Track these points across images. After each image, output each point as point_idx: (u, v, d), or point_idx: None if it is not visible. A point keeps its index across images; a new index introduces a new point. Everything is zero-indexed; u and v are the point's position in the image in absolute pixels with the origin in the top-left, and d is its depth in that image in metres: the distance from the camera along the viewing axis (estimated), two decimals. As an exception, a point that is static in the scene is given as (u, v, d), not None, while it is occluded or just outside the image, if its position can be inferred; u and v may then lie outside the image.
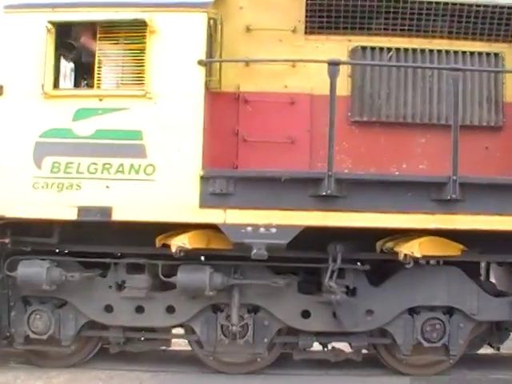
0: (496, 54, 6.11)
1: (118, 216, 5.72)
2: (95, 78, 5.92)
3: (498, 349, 6.66)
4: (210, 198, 5.70)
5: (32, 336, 6.20)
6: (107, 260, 6.18)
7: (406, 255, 5.61)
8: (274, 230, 5.66)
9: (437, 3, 6.07)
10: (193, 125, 5.74)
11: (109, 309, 6.21)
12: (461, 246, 5.86)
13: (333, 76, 5.58)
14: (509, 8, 6.03)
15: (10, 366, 6.62)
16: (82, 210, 5.73)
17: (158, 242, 6.07)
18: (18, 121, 5.84)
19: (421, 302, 6.08)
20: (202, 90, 5.77)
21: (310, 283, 6.30)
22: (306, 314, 6.14)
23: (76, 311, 6.22)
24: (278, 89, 6.13)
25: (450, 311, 6.10)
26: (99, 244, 6.19)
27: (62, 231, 6.06)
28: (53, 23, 5.75)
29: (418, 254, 5.62)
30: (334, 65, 5.62)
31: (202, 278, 5.85)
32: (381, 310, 6.06)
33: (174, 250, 5.67)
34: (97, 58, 5.87)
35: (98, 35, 5.85)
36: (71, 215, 5.75)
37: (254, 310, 6.19)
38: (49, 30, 5.74)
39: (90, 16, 5.82)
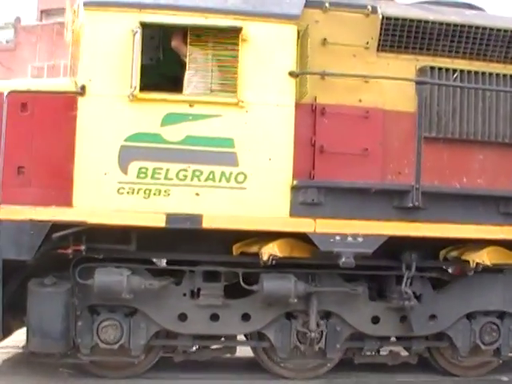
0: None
1: (208, 224, 5.74)
2: (185, 84, 5.91)
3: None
4: (300, 208, 5.88)
5: (102, 346, 6.04)
6: (185, 268, 6.15)
7: (477, 263, 6.14)
8: (360, 240, 5.95)
9: (492, 29, 6.63)
10: (284, 135, 5.90)
11: (182, 317, 6.19)
12: (483, 257, 6.42)
13: (420, 94, 5.97)
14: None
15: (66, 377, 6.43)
16: (170, 217, 5.69)
17: (236, 250, 6.17)
18: (102, 123, 5.70)
19: (478, 307, 6.62)
20: (292, 101, 5.94)
21: (372, 290, 6.65)
22: (375, 320, 6.48)
23: (148, 320, 6.13)
24: (353, 102, 6.40)
25: (501, 316, 6.70)
26: (175, 252, 6.18)
27: (139, 239, 5.98)
28: (142, 24, 5.67)
29: (487, 262, 6.15)
30: (421, 84, 6.04)
31: (287, 286, 6.02)
32: (443, 315, 6.54)
33: (265, 258, 5.79)
34: (188, 63, 5.86)
35: (189, 40, 5.84)
36: (159, 222, 5.70)
37: (326, 316, 6.43)
38: (137, 32, 5.65)
39: (182, 20, 5.79)
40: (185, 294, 6.21)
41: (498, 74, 6.61)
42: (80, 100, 5.67)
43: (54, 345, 5.86)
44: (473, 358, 6.77)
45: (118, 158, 5.68)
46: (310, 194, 5.86)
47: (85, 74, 5.72)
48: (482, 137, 6.57)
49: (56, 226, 5.60)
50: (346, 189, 5.97)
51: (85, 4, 5.80)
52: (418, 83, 6.11)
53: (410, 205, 5.90)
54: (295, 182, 5.84)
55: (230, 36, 5.84)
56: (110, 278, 5.80)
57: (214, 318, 6.23)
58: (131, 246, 5.95)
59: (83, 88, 5.67)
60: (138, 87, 5.65)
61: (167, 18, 5.78)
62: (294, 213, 5.87)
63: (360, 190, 5.98)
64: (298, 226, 5.88)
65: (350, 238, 5.92)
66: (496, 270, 6.48)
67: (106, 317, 6.07)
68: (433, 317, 6.51)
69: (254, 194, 5.81)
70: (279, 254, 5.81)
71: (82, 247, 5.76)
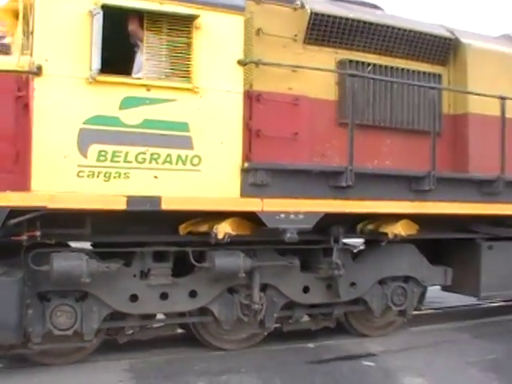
0: (437, 74, 7.90)
1: (167, 205, 5.97)
2: (136, 67, 6.03)
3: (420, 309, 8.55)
4: (249, 189, 6.34)
5: (56, 333, 6.00)
6: (138, 249, 6.30)
7: (396, 235, 7.11)
8: (301, 216, 6.57)
9: (397, 28, 7.59)
10: (234, 120, 6.29)
11: (133, 298, 6.35)
12: (417, 227, 7.53)
13: (352, 86, 6.74)
14: (445, 38, 7.87)
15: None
16: (131, 200, 5.83)
17: (182, 230, 6.46)
18: (60, 105, 5.62)
19: (388, 273, 7.62)
20: (241, 88, 6.36)
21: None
22: (305, 290, 7.18)
23: (100, 303, 6.20)
24: (284, 90, 6.95)
25: (406, 280, 7.77)
26: (125, 234, 6.30)
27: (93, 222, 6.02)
28: (101, 6, 5.68)
29: (403, 233, 7.16)
30: (353, 76, 6.80)
31: (237, 262, 6.48)
32: (360, 282, 7.43)
33: (221, 236, 6.19)
34: (144, 48, 5.98)
35: (146, 25, 5.96)
36: (120, 205, 5.80)
37: (263, 288, 6.97)
38: (97, 13, 5.65)
39: (139, 4, 5.89)
40: (135, 275, 6.38)
41: (402, 69, 7.62)
42: (36, 81, 5.54)
43: (9, 336, 5.71)
44: (383, 319, 7.80)
45: (77, 140, 5.66)
46: (259, 175, 6.35)
47: (40, 53, 5.59)
48: (389, 124, 7.54)
49: (12, 212, 5.47)
50: (290, 170, 6.55)
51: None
52: (350, 75, 6.85)
53: (344, 184, 6.66)
54: (246, 165, 6.29)
55: (184, 23, 6.07)
56: (69, 262, 5.79)
57: (164, 296, 6.50)
58: (86, 230, 5.99)
59: (39, 68, 5.55)
60: (97, 70, 5.68)
61: (125, 1, 5.86)
62: (244, 193, 6.32)
63: (302, 172, 6.60)
64: (248, 206, 6.34)
65: (292, 216, 6.52)
66: (402, 240, 7.52)
67: (59, 303, 6.04)
68: (353, 284, 7.40)
69: (208, 176, 6.14)
70: (233, 232, 6.25)
71: (38, 233, 5.68)
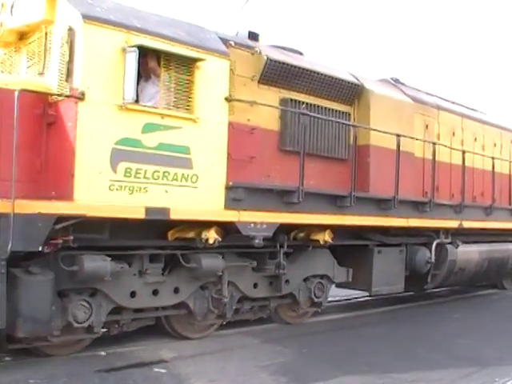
0: (346, 112, 10.07)
1: (174, 216, 7.30)
2: (146, 96, 7.25)
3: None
4: (230, 203, 7.87)
5: (75, 325, 6.95)
6: (141, 252, 7.48)
7: (325, 241, 9.12)
8: (264, 226, 8.27)
9: (322, 74, 9.62)
10: (222, 146, 7.80)
11: (132, 294, 7.49)
12: (332, 235, 9.60)
13: (304, 122, 8.62)
14: (354, 84, 10.09)
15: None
16: (148, 210, 7.06)
17: (171, 235, 7.78)
18: (97, 127, 6.71)
19: (312, 272, 9.59)
20: (226, 120, 7.89)
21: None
22: (255, 285, 8.85)
23: (107, 298, 7.25)
24: (245, 121, 8.57)
25: (322, 277, 9.81)
26: (129, 239, 7.44)
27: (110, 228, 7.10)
28: (136, 46, 6.85)
29: (330, 240, 9.19)
30: (304, 115, 8.67)
31: (218, 263, 7.97)
32: (293, 279, 9.30)
33: (211, 241, 7.66)
34: (160, 82, 7.22)
35: (162, 63, 7.23)
36: (140, 214, 7.01)
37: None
38: (131, 51, 6.81)
39: (157, 45, 7.14)
40: (135, 274, 7.54)
41: (324, 107, 9.68)
42: (80, 105, 6.56)
43: (42, 328, 6.59)
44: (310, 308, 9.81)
45: (109, 159, 6.78)
46: (238, 192, 7.93)
47: (83, 80, 6.61)
48: (314, 151, 9.52)
49: (58, 219, 6.42)
50: (259, 189, 8.22)
51: (84, 17, 6.65)
52: (301, 114, 8.71)
53: (296, 201, 8.49)
54: (230, 183, 7.82)
55: (188, 63, 7.45)
56: (96, 263, 6.84)
57: (155, 292, 7.74)
58: (105, 235, 7.05)
59: (83, 94, 6.57)
60: (129, 99, 6.82)
61: (147, 41, 7.07)
62: (227, 206, 7.85)
63: (267, 190, 8.31)
64: (229, 217, 7.89)
65: (259, 225, 8.19)
66: (323, 245, 9.54)
67: (78, 298, 7.00)
68: (287, 281, 9.25)
69: (202, 191, 7.59)
70: (220, 239, 7.75)
71: (71, 237, 6.65)
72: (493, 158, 12.63)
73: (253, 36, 9.25)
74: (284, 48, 9.78)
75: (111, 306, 7.39)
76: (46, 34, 7.23)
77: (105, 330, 7.59)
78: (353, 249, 10.33)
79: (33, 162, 6.79)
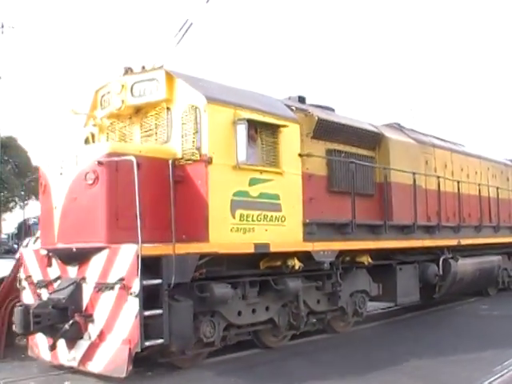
0: (371, 157, 12.45)
1: (272, 249, 9.44)
2: (247, 156, 9.37)
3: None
4: (307, 236, 10.05)
5: (205, 340, 8.92)
6: (244, 279, 9.52)
7: (369, 262, 11.41)
8: (329, 253, 10.48)
9: (355, 128, 11.97)
10: (299, 191, 10.00)
11: (239, 313, 9.51)
12: (369, 259, 11.88)
13: (353, 169, 10.91)
14: (376, 133, 12.49)
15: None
16: (256, 246, 9.16)
17: (263, 264, 9.87)
18: (220, 183, 8.85)
19: (357, 288, 11.84)
20: (300, 171, 10.11)
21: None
22: (318, 301, 11.02)
23: (222, 318, 9.24)
24: (304, 169, 10.77)
25: (362, 292, 12.06)
26: (237, 269, 9.48)
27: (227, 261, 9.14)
28: (245, 119, 9.01)
29: (371, 261, 11.49)
30: (353, 163, 10.97)
31: (299, 284, 10.11)
32: (343, 295, 11.51)
33: (297, 267, 9.80)
34: (256, 146, 9.37)
35: (258, 130, 9.38)
36: (251, 249, 9.11)
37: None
38: (240, 123, 8.94)
39: (255, 117, 9.31)
40: (239, 297, 9.56)
41: (357, 154, 12.02)
42: (209, 167, 8.63)
43: (188, 344, 8.57)
44: (354, 318, 12.00)
45: (229, 207, 8.89)
46: (312, 227, 10.13)
47: (210, 148, 8.69)
48: (351, 190, 11.82)
49: (201, 256, 8.43)
50: (325, 223, 10.45)
51: (207, 98, 8.77)
52: (350, 163, 11.01)
53: (350, 231, 10.76)
54: (307, 221, 10.01)
55: (275, 129, 9.65)
56: (223, 290, 8.87)
57: (254, 311, 9.80)
58: (224, 267, 9.09)
59: (211, 158, 8.64)
60: (243, 161, 8.92)
61: (248, 114, 9.22)
62: (305, 239, 10.03)
63: (330, 224, 10.55)
64: (307, 247, 10.09)
65: (326, 252, 10.41)
66: (365, 266, 11.83)
67: (205, 319, 8.97)
68: (339, 297, 11.44)
69: (288, 228, 9.80)
70: (302, 265, 9.89)
71: (204, 270, 8.66)
72: (479, 185, 15.39)
73: (301, 99, 11.60)
74: (321, 106, 12.14)
75: (224, 323, 9.42)
76: (168, 109, 9.29)
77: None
78: (379, 268, 12.67)
79: (166, 213, 8.78)
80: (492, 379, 8.27)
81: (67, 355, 8.60)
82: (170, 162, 8.43)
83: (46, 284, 9.10)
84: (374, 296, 12.70)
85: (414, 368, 9.09)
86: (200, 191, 8.72)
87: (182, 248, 8.25)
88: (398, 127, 14.23)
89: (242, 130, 9.06)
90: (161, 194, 8.68)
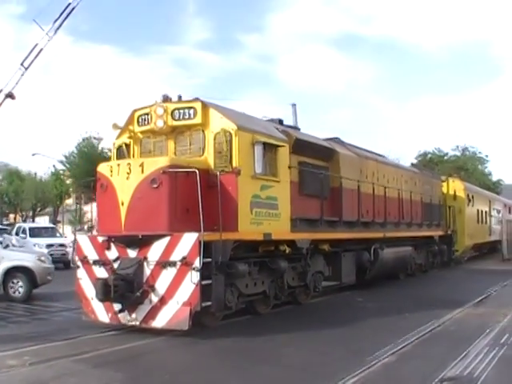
0: (326, 166, 16.23)
1: (273, 237, 12.97)
2: (259, 168, 12.83)
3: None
4: (293, 229, 13.68)
5: (228, 305, 12.24)
6: (252, 260, 12.93)
7: (327, 250, 15.23)
8: (306, 241, 14.16)
9: (317, 144, 15.70)
10: (288, 195, 13.62)
11: (248, 285, 12.93)
12: (328, 247, 15.68)
13: (322, 178, 14.66)
14: (330, 148, 16.32)
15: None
16: (264, 235, 12.67)
17: (261, 249, 13.37)
18: (244, 189, 12.27)
19: (317, 269, 15.59)
20: (289, 179, 13.69)
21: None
22: (293, 278, 14.63)
23: (236, 288, 12.61)
24: (288, 178, 14.36)
25: (319, 272, 15.83)
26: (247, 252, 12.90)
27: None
28: (260, 142, 12.44)
29: (330, 248, 15.33)
30: (321, 174, 14.72)
31: (286, 265, 13.78)
32: (309, 274, 15.23)
33: (287, 251, 13.36)
34: (266, 160, 12.83)
35: (266, 148, 12.85)
36: (261, 237, 12.61)
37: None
38: (257, 144, 12.37)
39: (266, 139, 12.77)
40: (248, 274, 12.96)
41: (317, 165, 15.78)
42: (238, 177, 11.98)
43: (221, 307, 11.88)
44: (313, 293, 15.77)
45: (249, 206, 12.35)
46: (296, 222, 13.76)
47: (239, 163, 12.05)
48: (316, 193, 15.55)
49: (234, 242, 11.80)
50: (303, 219, 14.12)
51: (237, 126, 12.13)
52: (319, 174, 14.73)
53: (320, 225, 14.48)
54: (293, 217, 13.62)
55: (277, 148, 13.17)
56: (243, 267, 12.34)
57: (255, 284, 13.25)
58: (241, 250, 12.48)
59: (240, 171, 12.01)
60: (260, 173, 12.36)
61: (262, 137, 12.69)
62: (292, 231, 13.64)
63: (305, 220, 14.23)
64: (293, 236, 13.77)
65: (304, 241, 14.09)
66: (324, 252, 15.60)
67: (228, 289, 12.32)
68: (306, 275, 15.15)
69: (281, 222, 13.49)
70: (290, 250, 13.50)
71: (232, 252, 12.00)
72: (398, 189, 19.76)
73: (280, 122, 15.20)
74: (291, 127, 15.80)
75: (237, 293, 12.79)
76: (202, 131, 12.54)
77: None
78: (330, 254, 16.52)
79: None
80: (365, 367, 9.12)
81: (128, 317, 11.67)
82: (210, 172, 11.78)
83: (103, 263, 12.10)
84: (326, 276, 16.59)
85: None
86: (231, 194, 12.09)
87: (224, 235, 11.59)
88: (340, 142, 18.20)
89: (260, 149, 12.53)
90: (197, 197, 11.98)
